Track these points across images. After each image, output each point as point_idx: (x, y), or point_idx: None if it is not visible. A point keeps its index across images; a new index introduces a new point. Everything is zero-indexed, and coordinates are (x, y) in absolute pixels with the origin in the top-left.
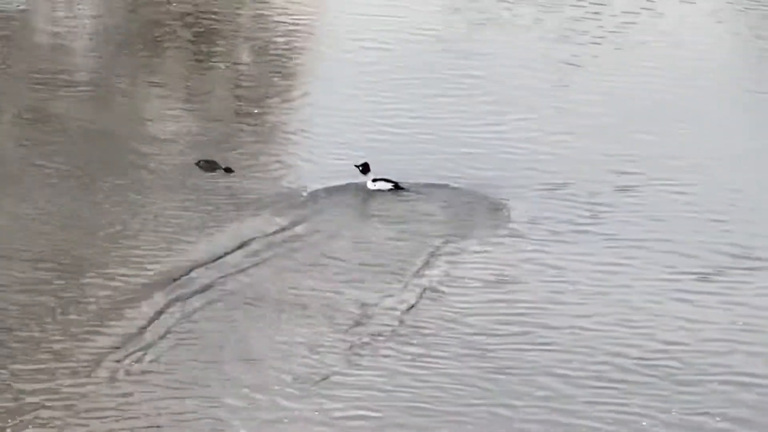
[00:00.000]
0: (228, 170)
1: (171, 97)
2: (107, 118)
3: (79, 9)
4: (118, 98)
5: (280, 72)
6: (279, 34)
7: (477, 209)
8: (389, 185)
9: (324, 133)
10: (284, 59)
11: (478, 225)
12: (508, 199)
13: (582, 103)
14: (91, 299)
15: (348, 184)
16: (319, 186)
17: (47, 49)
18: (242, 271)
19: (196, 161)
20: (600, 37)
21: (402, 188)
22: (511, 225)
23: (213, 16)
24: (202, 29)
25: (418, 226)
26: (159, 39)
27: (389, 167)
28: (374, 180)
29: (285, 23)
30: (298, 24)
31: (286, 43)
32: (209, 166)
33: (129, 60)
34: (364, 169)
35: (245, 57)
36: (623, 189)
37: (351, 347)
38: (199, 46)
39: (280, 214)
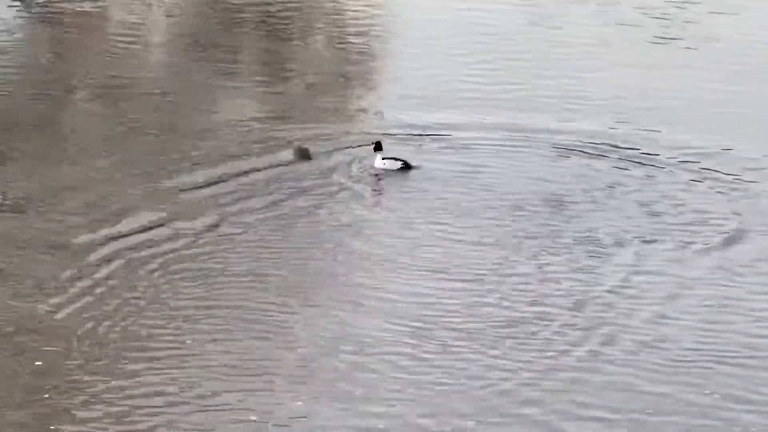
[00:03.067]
0: (307, 158)
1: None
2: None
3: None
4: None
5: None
6: (356, 24)
7: None
8: (398, 164)
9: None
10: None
11: None
12: None
13: None
14: None
15: None
16: None
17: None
18: None
19: (294, 147)
20: None
21: (411, 167)
22: None
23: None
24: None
25: None
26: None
27: None
28: (384, 158)
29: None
30: (374, 15)
31: (364, 33)
32: (302, 153)
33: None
34: (377, 147)
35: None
36: None
37: None
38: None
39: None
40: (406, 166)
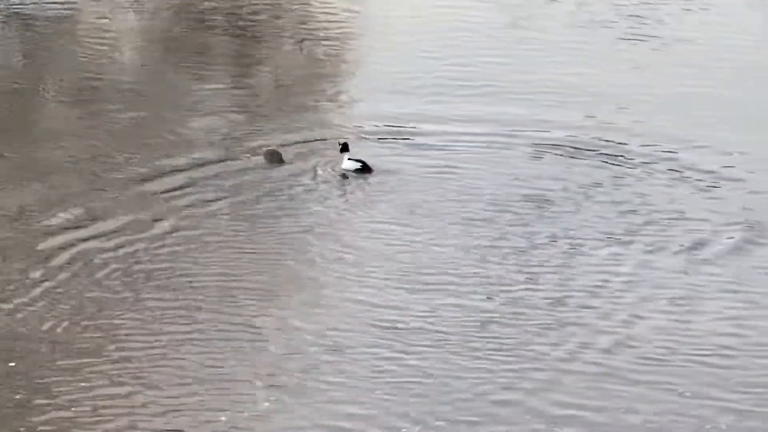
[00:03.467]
0: (280, 161)
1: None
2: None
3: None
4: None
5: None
6: (325, 27)
7: None
8: (357, 165)
9: None
10: (331, 54)
11: None
12: None
13: None
14: None
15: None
16: None
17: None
18: None
19: (264, 152)
20: None
21: (369, 170)
22: None
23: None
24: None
25: None
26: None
27: None
28: (349, 159)
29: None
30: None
31: (335, 36)
32: (273, 157)
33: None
34: (343, 148)
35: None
36: None
37: None
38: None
39: None
40: (365, 168)
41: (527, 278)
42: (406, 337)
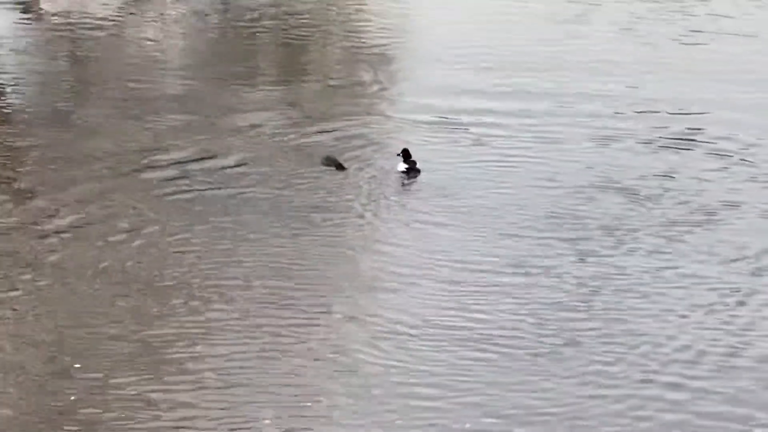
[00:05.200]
0: (340, 167)
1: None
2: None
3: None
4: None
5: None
6: (371, 36)
7: None
8: (404, 166)
9: None
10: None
11: None
12: None
13: None
14: None
15: None
16: None
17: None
18: None
19: (321, 158)
20: None
21: (417, 171)
22: None
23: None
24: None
25: None
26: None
27: None
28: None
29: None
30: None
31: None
32: (329, 162)
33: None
34: (404, 155)
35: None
36: None
37: None
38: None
39: None
40: (412, 170)
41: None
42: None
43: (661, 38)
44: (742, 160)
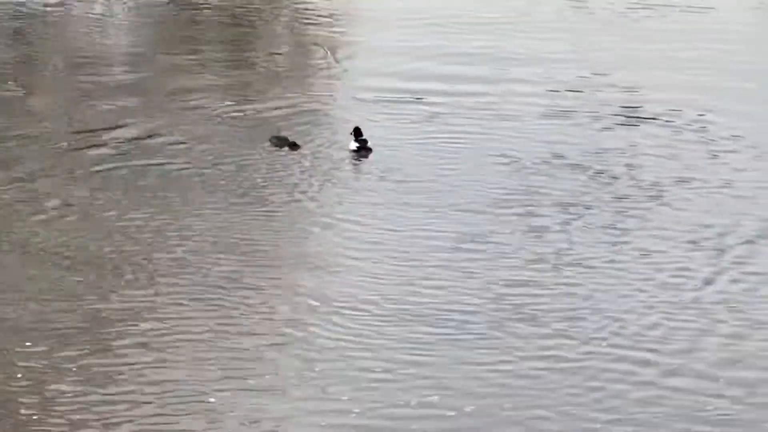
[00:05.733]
0: (294, 145)
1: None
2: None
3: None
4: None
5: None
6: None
7: None
8: (355, 145)
9: None
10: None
11: None
12: None
13: None
14: None
15: None
16: None
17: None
18: None
19: (269, 137)
20: None
21: (368, 150)
22: None
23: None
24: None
25: None
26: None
27: None
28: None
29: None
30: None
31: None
32: (279, 142)
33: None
34: (355, 132)
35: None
36: None
37: None
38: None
39: None
40: (363, 149)
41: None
42: None
43: (612, 13)
44: (694, 132)
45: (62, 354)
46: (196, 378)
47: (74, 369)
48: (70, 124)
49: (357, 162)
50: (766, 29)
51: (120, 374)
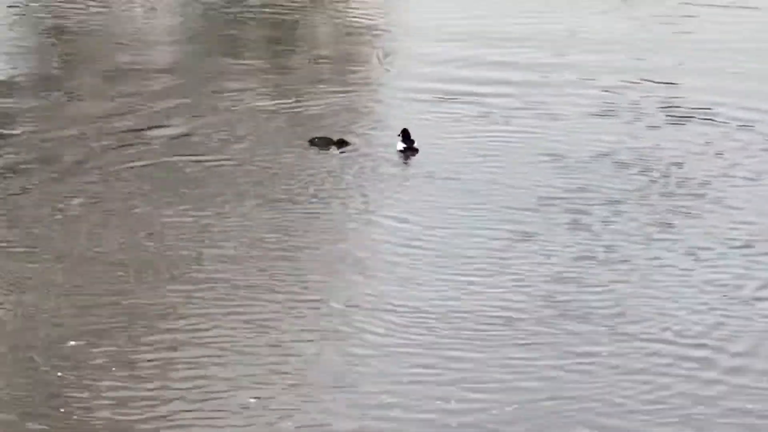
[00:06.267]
0: (342, 143)
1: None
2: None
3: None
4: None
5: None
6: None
7: None
8: (402, 145)
9: None
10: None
11: None
12: None
13: None
14: None
15: None
16: None
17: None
18: None
19: (310, 139)
20: None
21: (414, 150)
22: None
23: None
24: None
25: None
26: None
27: None
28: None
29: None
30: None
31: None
32: (323, 142)
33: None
34: (403, 135)
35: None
36: None
37: None
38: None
39: None
40: (410, 149)
41: None
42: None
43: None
44: (739, 127)
45: (100, 349)
46: (237, 374)
47: (112, 365)
48: (110, 124)
49: (404, 162)
50: None
51: (157, 369)
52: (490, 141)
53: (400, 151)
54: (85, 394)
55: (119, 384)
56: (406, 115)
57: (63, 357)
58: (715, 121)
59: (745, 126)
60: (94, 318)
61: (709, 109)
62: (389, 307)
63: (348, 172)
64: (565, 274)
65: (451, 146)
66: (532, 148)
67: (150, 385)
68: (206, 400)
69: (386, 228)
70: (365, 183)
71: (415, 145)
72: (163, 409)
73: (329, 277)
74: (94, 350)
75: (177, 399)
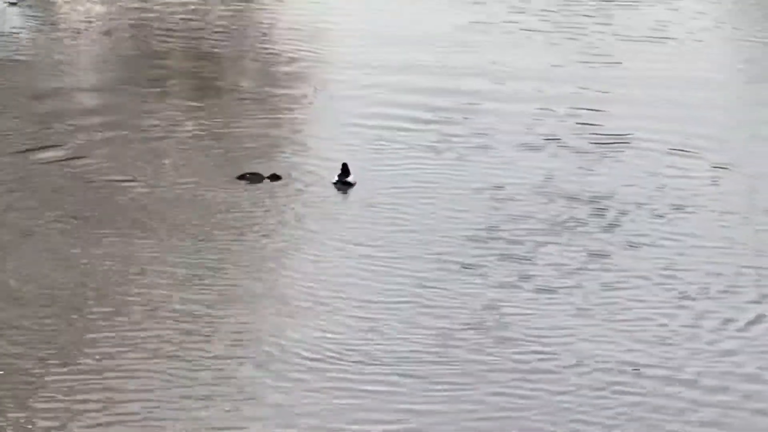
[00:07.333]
0: (275, 177)
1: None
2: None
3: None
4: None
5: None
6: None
7: None
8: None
9: None
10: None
11: None
12: None
13: None
14: None
15: None
16: None
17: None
18: None
19: (238, 176)
20: None
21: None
22: None
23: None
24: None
25: None
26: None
27: None
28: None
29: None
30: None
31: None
32: (255, 177)
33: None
34: (343, 169)
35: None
36: None
37: None
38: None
39: None
40: (345, 183)
41: None
42: None
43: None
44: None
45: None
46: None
47: None
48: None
49: (341, 193)
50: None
51: None
52: (425, 172)
53: (334, 183)
54: None
55: None
56: (341, 147)
57: None
58: (643, 147)
59: (675, 151)
60: None
61: (631, 134)
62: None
63: (279, 206)
64: (497, 302)
65: (386, 177)
66: (467, 180)
67: None
68: None
69: (314, 262)
70: (293, 218)
71: (351, 179)
72: None
73: (250, 317)
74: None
75: None
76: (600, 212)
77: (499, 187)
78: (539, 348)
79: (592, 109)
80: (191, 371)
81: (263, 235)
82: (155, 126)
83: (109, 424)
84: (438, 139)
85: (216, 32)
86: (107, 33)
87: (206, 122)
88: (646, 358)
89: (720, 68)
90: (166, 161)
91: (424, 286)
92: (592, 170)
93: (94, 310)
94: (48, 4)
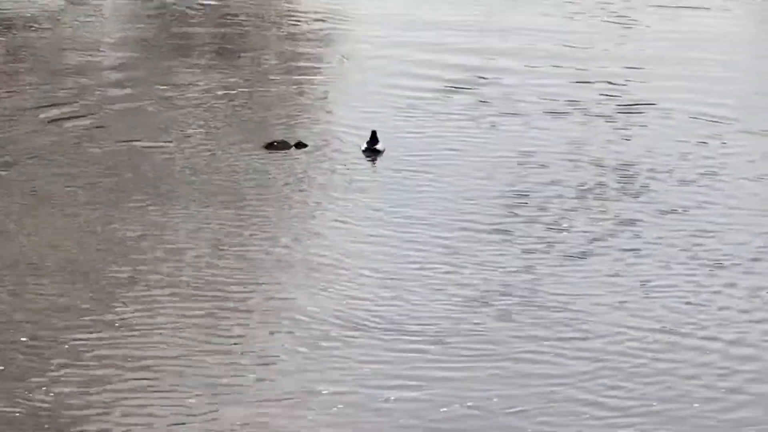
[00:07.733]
0: (300, 145)
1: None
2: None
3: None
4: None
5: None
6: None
7: None
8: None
9: None
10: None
11: None
12: None
13: None
14: None
15: None
16: None
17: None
18: None
19: (265, 144)
20: None
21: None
22: None
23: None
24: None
25: None
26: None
27: None
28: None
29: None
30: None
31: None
32: (282, 144)
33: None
34: (371, 136)
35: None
36: None
37: None
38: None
39: None
40: (373, 150)
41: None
42: None
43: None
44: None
45: None
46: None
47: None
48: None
49: (371, 162)
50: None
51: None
52: (453, 140)
53: (363, 151)
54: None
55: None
56: (369, 114)
57: None
58: (669, 116)
59: (697, 118)
60: None
61: (656, 103)
62: (330, 318)
63: (307, 173)
64: (526, 269)
65: (415, 144)
66: (496, 145)
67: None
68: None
69: (342, 230)
70: (321, 185)
71: (380, 146)
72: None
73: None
74: None
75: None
76: (628, 179)
77: (528, 154)
78: (568, 315)
79: (618, 77)
80: (215, 338)
81: (290, 203)
82: (180, 92)
83: (131, 390)
84: (465, 106)
85: None
86: None
87: (231, 90)
88: (676, 326)
89: (747, 36)
90: (191, 128)
91: (453, 253)
92: (620, 138)
93: (116, 275)
94: None
